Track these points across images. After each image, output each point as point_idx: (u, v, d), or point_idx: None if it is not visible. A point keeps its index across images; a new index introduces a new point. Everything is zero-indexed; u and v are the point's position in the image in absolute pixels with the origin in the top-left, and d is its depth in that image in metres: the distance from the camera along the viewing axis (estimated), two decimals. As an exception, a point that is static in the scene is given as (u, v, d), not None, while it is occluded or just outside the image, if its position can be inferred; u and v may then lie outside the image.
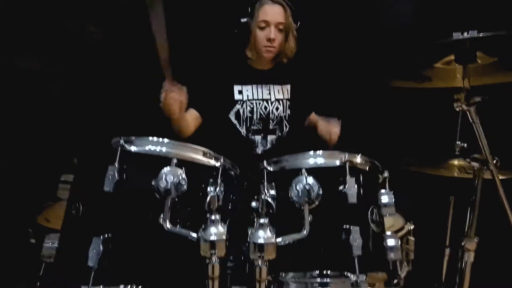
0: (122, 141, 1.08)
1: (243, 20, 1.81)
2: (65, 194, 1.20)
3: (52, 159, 1.99)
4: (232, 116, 1.86)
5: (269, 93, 1.90)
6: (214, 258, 0.96)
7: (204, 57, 2.11)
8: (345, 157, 1.16)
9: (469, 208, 1.42)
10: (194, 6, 2.16)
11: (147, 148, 1.10)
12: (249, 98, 1.88)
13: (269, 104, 1.91)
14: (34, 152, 1.99)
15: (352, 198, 1.11)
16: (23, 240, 1.83)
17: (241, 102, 1.87)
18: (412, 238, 1.68)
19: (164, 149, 1.10)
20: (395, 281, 1.18)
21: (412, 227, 1.73)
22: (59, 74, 1.83)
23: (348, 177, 1.13)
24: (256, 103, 1.88)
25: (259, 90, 1.90)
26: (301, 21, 1.85)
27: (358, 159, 1.19)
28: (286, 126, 1.91)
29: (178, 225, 1.04)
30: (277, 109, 1.91)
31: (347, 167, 1.15)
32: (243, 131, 1.87)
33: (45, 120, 1.99)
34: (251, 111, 1.87)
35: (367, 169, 1.22)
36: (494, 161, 1.38)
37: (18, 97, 1.93)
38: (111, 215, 1.06)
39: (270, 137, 1.91)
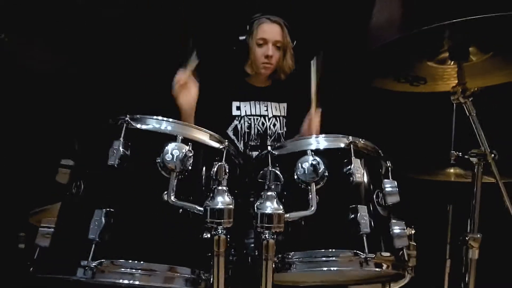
0: (127, 118, 1.08)
1: (242, 38, 1.88)
2: (65, 178, 1.17)
3: (44, 160, 1.96)
4: (230, 132, 1.88)
5: (267, 110, 1.94)
6: (220, 229, 0.92)
7: (204, 74, 2.17)
8: (349, 140, 1.17)
9: (471, 204, 1.41)
10: (194, 24, 2.25)
11: (152, 125, 1.10)
12: (247, 113, 1.91)
13: (267, 120, 1.94)
14: (26, 153, 1.96)
15: (358, 177, 1.11)
16: (12, 245, 1.76)
17: (239, 118, 1.89)
18: (413, 243, 1.65)
19: (169, 127, 1.10)
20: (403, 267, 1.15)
21: (413, 231, 1.71)
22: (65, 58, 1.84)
23: (353, 157, 1.14)
24: (254, 119, 1.91)
25: (257, 106, 1.93)
26: (297, 40, 1.94)
27: (362, 142, 1.21)
28: (282, 140, 1.92)
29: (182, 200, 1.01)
30: (274, 125, 1.94)
31: (352, 148, 1.16)
32: (240, 146, 1.88)
33: (36, 116, 1.97)
34: (249, 127, 1.89)
35: (371, 153, 1.23)
36: (492, 155, 1.40)
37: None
38: (114, 189, 1.03)
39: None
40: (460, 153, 2.03)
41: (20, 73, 1.70)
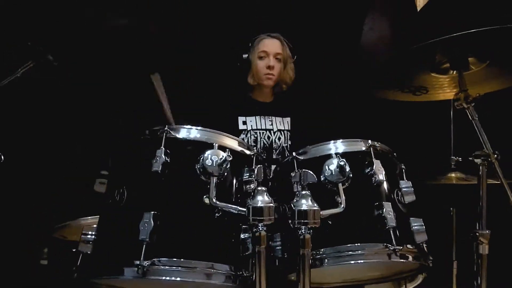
0: (167, 128, 1.16)
1: (245, 56, 2.01)
2: (102, 188, 1.24)
3: (64, 177, 2.01)
4: None
5: (272, 124, 2.04)
6: (261, 226, 1.00)
7: (211, 92, 2.27)
8: (368, 143, 1.27)
9: (480, 202, 1.51)
10: (201, 45, 2.36)
11: (189, 135, 1.19)
12: (253, 128, 2.00)
13: (272, 134, 2.03)
14: (48, 170, 2.00)
15: (381, 176, 1.20)
16: (34, 262, 1.79)
17: (245, 132, 1.98)
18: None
19: (206, 136, 1.19)
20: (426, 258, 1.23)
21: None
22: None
23: (374, 159, 1.23)
24: (259, 133, 2.00)
25: (262, 121, 2.03)
26: (298, 56, 2.06)
27: (379, 145, 1.31)
28: (287, 156, 2.03)
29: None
30: (279, 139, 2.03)
31: (372, 151, 1.26)
32: None
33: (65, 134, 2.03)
34: (255, 140, 1.98)
35: (387, 155, 1.33)
36: (495, 155, 1.51)
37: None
38: (158, 193, 1.11)
39: (273, 167, 2.03)
40: (460, 158, 2.17)
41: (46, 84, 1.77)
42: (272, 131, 2.02)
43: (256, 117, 2.02)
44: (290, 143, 2.03)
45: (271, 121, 2.04)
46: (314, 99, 2.35)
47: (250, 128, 1.98)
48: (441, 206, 2.22)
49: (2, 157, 1.57)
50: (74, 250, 1.56)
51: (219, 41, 2.34)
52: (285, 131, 2.04)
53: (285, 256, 1.26)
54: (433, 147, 2.29)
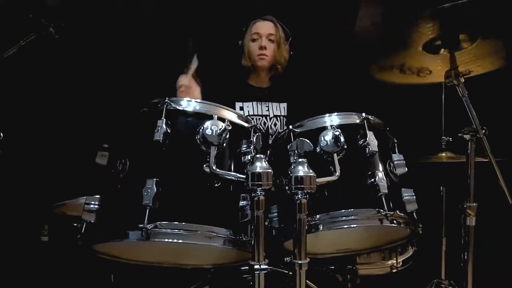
0: (167, 100, 1.19)
1: (240, 42, 2.04)
2: (104, 160, 1.27)
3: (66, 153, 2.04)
4: None
5: (268, 110, 2.06)
6: (259, 191, 1.05)
7: (207, 77, 2.29)
8: (362, 116, 1.32)
9: (468, 173, 1.57)
10: (198, 32, 2.38)
11: (189, 106, 1.22)
12: (249, 113, 2.03)
13: (268, 120, 2.06)
14: (47, 150, 2.03)
15: (374, 147, 1.25)
16: (35, 239, 1.82)
17: None
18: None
19: (205, 108, 1.23)
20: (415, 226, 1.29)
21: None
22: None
23: (367, 130, 1.28)
24: (256, 119, 2.02)
25: (259, 106, 2.06)
26: (292, 38, 2.08)
27: (372, 118, 1.36)
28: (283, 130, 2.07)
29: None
30: (275, 125, 2.06)
31: (365, 124, 1.30)
32: None
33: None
34: None
35: (380, 128, 1.38)
36: (483, 130, 1.57)
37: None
38: (160, 161, 1.15)
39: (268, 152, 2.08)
40: (450, 138, 2.23)
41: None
42: (268, 117, 2.05)
43: (253, 102, 2.05)
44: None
45: (268, 106, 2.06)
46: (310, 85, 2.38)
47: (247, 114, 2.00)
48: (431, 185, 2.29)
49: (1, 134, 1.59)
50: (75, 224, 1.60)
51: (215, 26, 2.36)
52: (281, 117, 2.07)
53: (282, 226, 1.31)
54: (424, 128, 2.35)
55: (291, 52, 2.08)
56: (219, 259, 1.38)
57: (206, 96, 2.01)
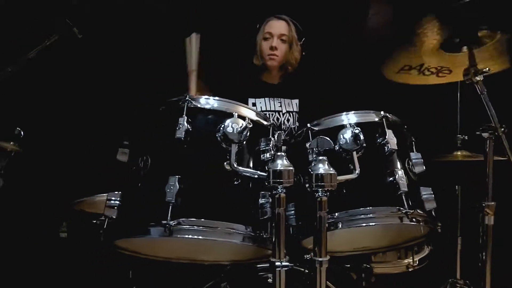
0: (188, 98, 1.21)
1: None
2: (125, 157, 1.29)
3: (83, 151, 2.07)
4: None
5: (280, 105, 2.08)
6: (280, 188, 1.05)
7: (222, 74, 2.31)
8: (381, 114, 1.32)
9: (487, 172, 1.56)
10: (213, 29, 2.39)
11: (210, 104, 1.24)
12: (262, 109, 2.03)
13: (281, 115, 2.07)
14: (67, 148, 2.06)
15: (393, 145, 1.26)
16: (53, 235, 1.85)
17: None
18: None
19: (225, 106, 1.24)
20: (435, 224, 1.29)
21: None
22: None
23: (386, 128, 1.28)
24: (268, 115, 2.03)
25: (271, 102, 2.07)
26: (305, 37, 2.08)
27: (391, 117, 1.35)
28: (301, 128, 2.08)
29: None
30: (288, 120, 2.07)
31: (384, 122, 1.30)
32: None
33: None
34: None
35: (398, 126, 1.38)
36: (502, 128, 1.55)
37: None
38: (182, 158, 1.16)
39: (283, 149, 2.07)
40: (466, 137, 2.21)
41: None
42: (281, 113, 2.06)
43: (265, 99, 2.06)
44: (298, 124, 2.07)
45: (280, 102, 2.08)
46: (322, 81, 2.38)
47: (260, 110, 2.01)
48: (446, 184, 2.27)
49: (22, 132, 1.62)
50: (94, 221, 1.62)
51: (230, 23, 2.37)
52: (293, 113, 2.08)
53: (300, 223, 1.31)
54: (439, 126, 2.33)
55: (303, 53, 2.10)
56: (237, 256, 1.40)
57: (220, 93, 2.05)
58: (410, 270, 1.76)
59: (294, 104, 2.09)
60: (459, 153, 2.15)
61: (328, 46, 2.48)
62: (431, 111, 2.43)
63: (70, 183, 2.00)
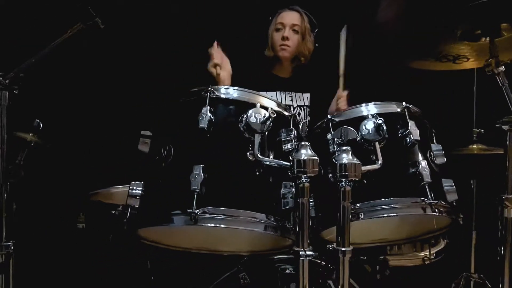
0: (210, 88, 1.21)
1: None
2: (146, 148, 1.30)
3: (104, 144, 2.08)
4: None
5: (292, 99, 2.07)
6: (304, 178, 1.05)
7: (233, 67, 2.30)
8: (403, 105, 1.32)
9: (507, 165, 1.54)
10: (226, 22, 2.39)
11: (231, 95, 1.24)
12: None
13: (292, 109, 2.06)
14: (86, 137, 2.07)
15: (416, 136, 1.25)
16: (71, 226, 1.88)
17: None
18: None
19: (247, 97, 1.24)
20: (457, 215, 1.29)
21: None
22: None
23: (409, 120, 1.28)
24: None
25: (283, 96, 2.06)
26: (318, 29, 2.06)
27: (412, 108, 1.35)
28: (306, 132, 2.03)
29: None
30: (299, 114, 2.06)
31: (406, 113, 1.30)
32: None
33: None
34: None
35: (419, 118, 1.37)
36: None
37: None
38: (206, 148, 1.17)
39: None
40: (482, 130, 2.19)
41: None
42: (292, 107, 2.06)
43: (277, 92, 2.05)
44: (309, 118, 2.06)
45: (291, 96, 2.07)
46: (332, 75, 2.37)
47: None
48: (462, 177, 2.26)
49: (41, 124, 1.64)
50: (113, 212, 1.64)
51: (243, 15, 2.37)
52: (305, 107, 2.07)
53: (319, 214, 1.31)
54: (455, 119, 2.31)
55: (317, 44, 2.08)
56: (256, 247, 1.40)
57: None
58: (426, 263, 1.76)
59: (305, 98, 2.08)
60: (474, 146, 2.14)
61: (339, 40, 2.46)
62: (446, 104, 2.42)
63: (87, 174, 2.02)
